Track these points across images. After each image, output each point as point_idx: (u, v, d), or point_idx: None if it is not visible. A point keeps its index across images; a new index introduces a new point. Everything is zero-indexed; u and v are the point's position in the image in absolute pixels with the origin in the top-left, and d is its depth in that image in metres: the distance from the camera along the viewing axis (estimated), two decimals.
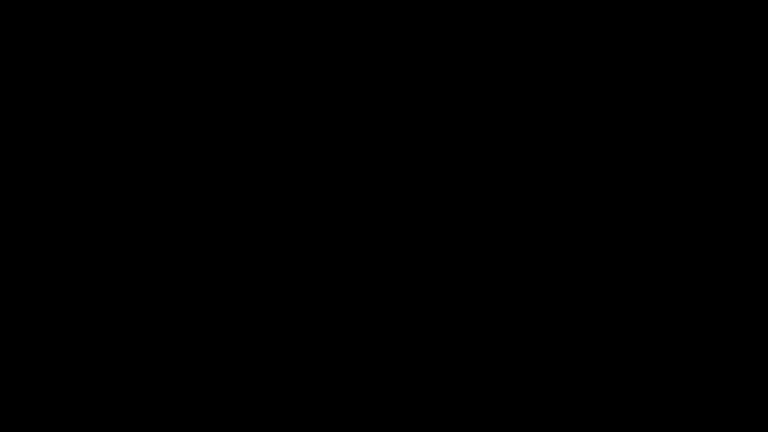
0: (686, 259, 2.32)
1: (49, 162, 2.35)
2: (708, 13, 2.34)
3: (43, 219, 2.34)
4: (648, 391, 2.29)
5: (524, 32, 2.35)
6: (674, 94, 2.35)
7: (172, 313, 2.32)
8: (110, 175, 2.35)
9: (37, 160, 2.35)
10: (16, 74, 2.35)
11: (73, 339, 2.31)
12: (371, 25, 2.34)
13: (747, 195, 2.32)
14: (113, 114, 2.36)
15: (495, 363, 2.31)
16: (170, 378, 2.30)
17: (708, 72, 2.35)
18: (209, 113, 2.35)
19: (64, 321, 2.31)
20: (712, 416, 2.28)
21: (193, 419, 2.29)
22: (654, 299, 2.31)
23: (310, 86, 2.36)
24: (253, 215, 2.34)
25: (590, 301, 2.32)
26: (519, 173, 2.35)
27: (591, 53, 2.36)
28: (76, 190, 2.34)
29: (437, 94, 2.34)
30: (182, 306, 2.32)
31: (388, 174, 2.35)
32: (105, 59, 2.36)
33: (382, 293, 2.33)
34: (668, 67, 2.35)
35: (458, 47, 2.35)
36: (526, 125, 2.35)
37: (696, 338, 2.30)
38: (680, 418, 2.28)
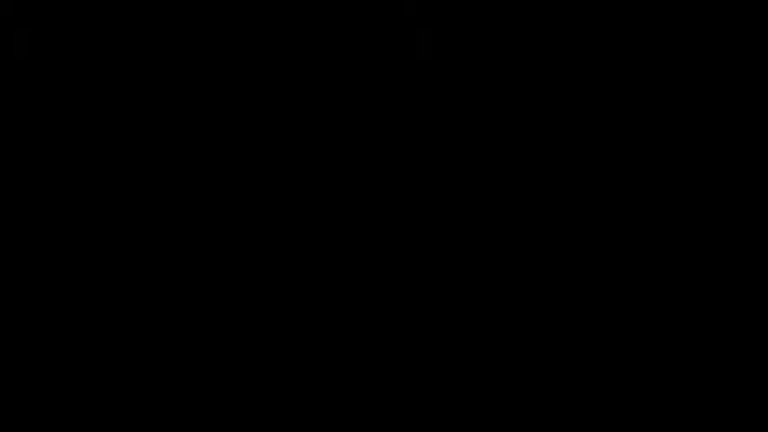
0: (686, 259, 2.32)
1: (49, 162, 2.35)
2: (708, 13, 2.34)
3: (43, 218, 2.34)
4: (648, 391, 2.29)
5: (524, 32, 2.35)
6: (674, 94, 2.35)
7: (172, 313, 2.32)
8: (110, 174, 2.35)
9: (37, 160, 2.35)
10: (16, 74, 2.35)
11: (73, 339, 2.30)
12: (371, 25, 2.34)
13: (747, 195, 2.32)
14: (113, 114, 2.36)
15: (495, 363, 2.31)
16: (170, 378, 2.30)
17: (707, 72, 2.35)
18: (210, 113, 2.35)
19: (64, 321, 2.31)
20: (712, 416, 2.28)
21: (193, 419, 2.30)
22: (654, 299, 2.31)
23: (310, 86, 2.36)
24: (251, 213, 2.34)
25: (589, 300, 2.32)
26: (518, 172, 2.34)
27: (591, 53, 2.36)
28: (76, 190, 2.34)
29: (437, 94, 2.34)
30: (182, 306, 2.32)
31: (387, 173, 2.35)
32: (105, 59, 2.36)
33: (381, 292, 2.32)
34: (668, 68, 2.35)
35: (458, 47, 2.34)
36: (526, 125, 2.35)
37: (696, 338, 2.30)
38: (680, 418, 2.28)
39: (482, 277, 2.32)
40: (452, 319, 2.32)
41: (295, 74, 2.36)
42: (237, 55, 2.35)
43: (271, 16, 2.36)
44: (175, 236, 2.33)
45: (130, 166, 2.34)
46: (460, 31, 2.35)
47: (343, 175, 2.34)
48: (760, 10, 2.32)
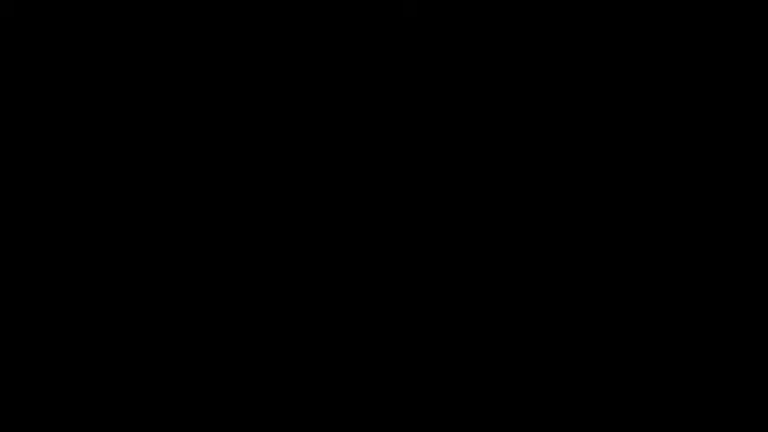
0: (685, 259, 2.31)
1: (48, 162, 2.34)
2: (698, 13, 2.34)
3: (42, 217, 2.33)
4: (648, 391, 2.27)
5: None
6: (666, 77, 2.33)
7: (171, 313, 2.31)
8: (109, 174, 2.34)
9: (36, 159, 2.34)
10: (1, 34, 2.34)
11: (73, 339, 2.30)
12: None
13: (747, 195, 2.31)
14: (112, 113, 2.35)
15: (494, 362, 2.30)
16: (170, 378, 2.30)
17: (693, 72, 2.34)
18: (195, 90, 2.33)
19: (56, 321, 2.30)
20: (712, 416, 2.26)
21: (193, 419, 2.29)
22: (653, 299, 2.29)
23: (293, 47, 2.33)
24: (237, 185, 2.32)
25: (585, 293, 2.30)
26: (502, 135, 2.32)
27: (576, 15, 2.33)
28: (76, 190, 2.34)
29: (422, 53, 2.31)
30: (182, 306, 2.32)
31: (371, 133, 2.32)
32: (104, 59, 2.36)
33: (356, 252, 2.30)
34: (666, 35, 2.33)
35: (444, 6, 2.31)
36: (511, 86, 2.31)
37: (696, 338, 2.29)
38: (680, 418, 2.27)
39: (465, 240, 2.30)
40: (433, 294, 2.30)
41: (277, 35, 2.32)
42: (217, 16, 2.33)
43: None
44: (167, 228, 2.32)
45: (129, 164, 2.33)
46: None
47: (326, 136, 2.31)
48: (760, 10, 2.32)
